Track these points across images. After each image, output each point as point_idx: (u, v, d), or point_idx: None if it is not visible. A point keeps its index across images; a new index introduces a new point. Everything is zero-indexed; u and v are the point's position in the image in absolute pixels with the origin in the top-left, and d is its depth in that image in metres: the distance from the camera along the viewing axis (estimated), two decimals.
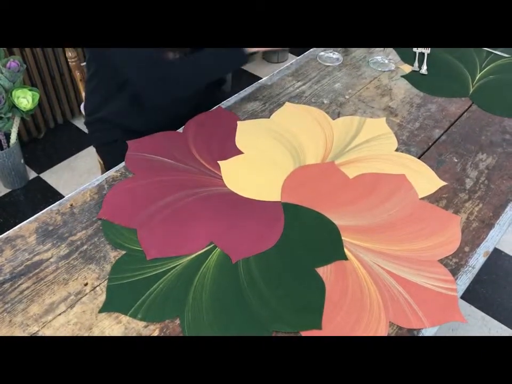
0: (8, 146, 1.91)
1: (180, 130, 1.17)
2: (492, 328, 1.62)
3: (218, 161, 1.08)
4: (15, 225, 0.94)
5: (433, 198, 1.02)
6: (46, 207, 0.98)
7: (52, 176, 2.10)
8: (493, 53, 1.46)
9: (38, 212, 0.97)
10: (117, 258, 0.88)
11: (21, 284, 0.84)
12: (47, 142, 2.23)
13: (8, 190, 2.04)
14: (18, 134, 1.97)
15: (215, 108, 1.24)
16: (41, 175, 2.10)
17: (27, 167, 2.10)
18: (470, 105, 1.28)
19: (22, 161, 2.01)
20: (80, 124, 2.34)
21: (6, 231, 0.93)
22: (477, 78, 1.37)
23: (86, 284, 0.84)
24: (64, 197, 0.99)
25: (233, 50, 1.11)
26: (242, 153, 1.11)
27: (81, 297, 0.82)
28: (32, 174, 2.10)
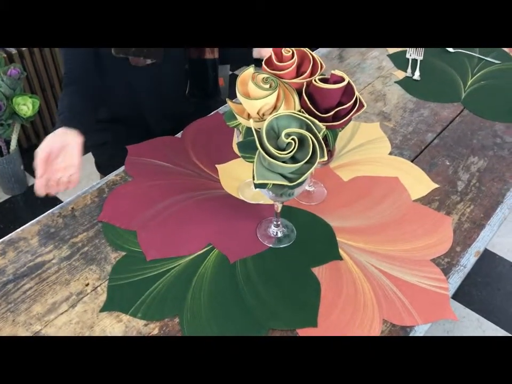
0: (8, 152, 1.93)
1: (179, 135, 1.19)
2: (487, 330, 1.64)
3: (216, 165, 1.10)
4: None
5: (426, 200, 1.05)
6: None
7: None
8: (484, 59, 1.50)
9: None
10: (117, 259, 0.90)
11: (23, 285, 0.86)
12: None
13: (7, 196, 2.06)
14: (18, 141, 2.00)
15: (213, 113, 1.27)
16: None
17: (26, 173, 2.12)
18: (462, 110, 1.31)
19: (22, 167, 2.03)
20: None
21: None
22: (469, 83, 1.41)
23: (87, 284, 0.86)
24: (63, 202, 1.01)
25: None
26: (239, 157, 1.13)
27: (83, 297, 0.84)
28: (31, 180, 2.13)
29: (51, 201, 2.03)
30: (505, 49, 1.55)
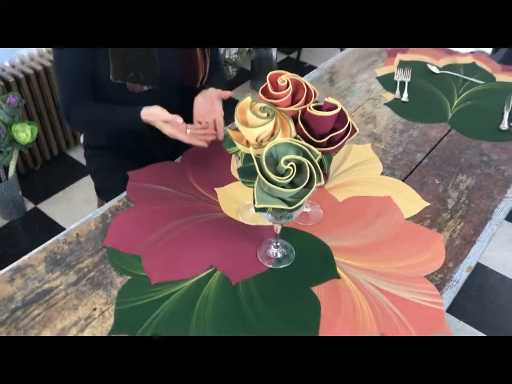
0: (7, 178, 1.96)
1: (178, 160, 1.23)
2: None
3: (215, 188, 1.14)
4: (14, 256, 0.99)
5: (418, 218, 1.09)
6: (44, 237, 1.04)
7: (49, 207, 2.14)
8: (468, 80, 1.56)
9: (36, 242, 1.03)
10: (123, 283, 0.93)
11: (32, 311, 0.89)
12: (44, 173, 2.29)
13: (6, 222, 2.08)
14: (16, 166, 2.03)
15: None
16: (39, 206, 2.15)
17: (24, 199, 2.15)
18: (449, 130, 1.36)
19: (20, 192, 2.05)
20: (75, 155, 2.39)
21: (5, 262, 0.98)
22: (455, 104, 1.46)
23: (94, 309, 0.89)
24: (61, 226, 1.05)
25: (131, 113, 1.20)
26: (237, 180, 1.17)
27: (91, 322, 0.87)
28: (29, 205, 2.15)
29: (49, 225, 2.05)
30: (489, 70, 1.61)
